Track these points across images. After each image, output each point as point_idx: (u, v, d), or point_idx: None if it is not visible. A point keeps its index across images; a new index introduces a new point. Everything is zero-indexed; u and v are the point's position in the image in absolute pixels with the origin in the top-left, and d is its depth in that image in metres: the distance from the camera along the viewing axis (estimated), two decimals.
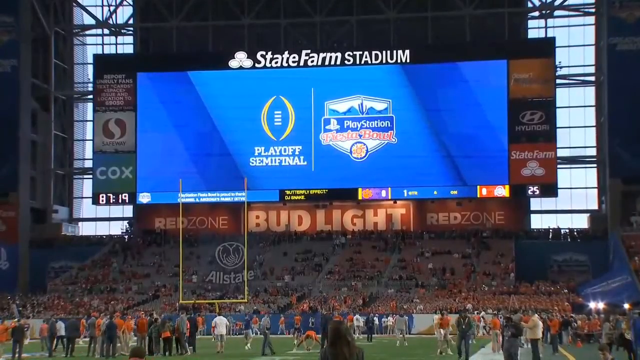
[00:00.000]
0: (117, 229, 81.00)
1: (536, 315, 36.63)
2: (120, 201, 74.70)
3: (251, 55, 72.21)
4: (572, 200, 75.34)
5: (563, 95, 74.02)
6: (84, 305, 61.27)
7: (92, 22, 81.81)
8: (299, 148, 70.80)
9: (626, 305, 47.55)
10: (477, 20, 74.83)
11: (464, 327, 28.87)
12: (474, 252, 68.91)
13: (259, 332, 45.13)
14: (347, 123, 70.77)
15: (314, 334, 37.14)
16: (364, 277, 65.73)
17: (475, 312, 52.53)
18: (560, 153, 72.06)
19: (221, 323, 36.52)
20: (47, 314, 53.99)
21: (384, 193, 71.17)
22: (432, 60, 70.40)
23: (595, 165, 75.52)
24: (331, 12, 75.33)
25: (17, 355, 33.10)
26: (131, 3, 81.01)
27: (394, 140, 70.33)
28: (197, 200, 71.35)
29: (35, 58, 76.33)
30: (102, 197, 73.81)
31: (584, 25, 76.87)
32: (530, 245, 69.03)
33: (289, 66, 71.83)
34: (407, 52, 70.72)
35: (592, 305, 53.29)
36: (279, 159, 71.17)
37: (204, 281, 65.27)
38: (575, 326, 44.79)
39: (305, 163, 70.64)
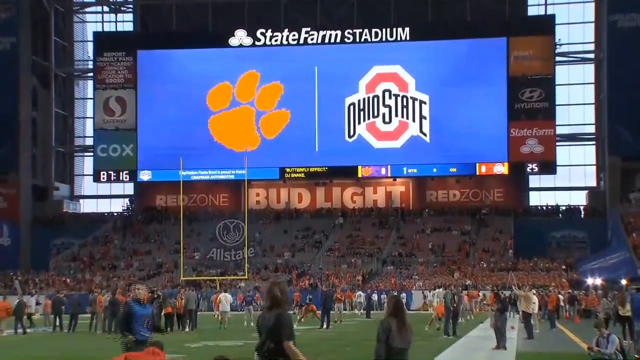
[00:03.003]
0: (118, 206, 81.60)
1: (533, 290, 37.12)
2: (121, 179, 74.95)
3: (251, 34, 72.23)
4: (571, 178, 75.77)
5: (562, 73, 74.06)
6: (86, 282, 61.69)
7: None
8: (298, 125, 70.95)
9: (623, 281, 47.82)
10: None
11: (454, 305, 28.89)
12: (473, 229, 69.26)
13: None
14: (349, 102, 70.95)
15: (314, 308, 37.62)
16: (363, 254, 66.10)
17: (474, 288, 52.99)
18: (559, 130, 72.18)
19: (226, 300, 36.91)
20: (49, 291, 54.43)
21: (383, 171, 71.40)
22: (432, 38, 70.36)
23: (594, 142, 75.70)
24: None
25: (20, 330, 33.57)
26: None
27: (396, 118, 70.61)
28: (198, 177, 71.60)
29: (35, 36, 76.26)
30: (103, 174, 74.11)
31: (584, 2, 76.51)
32: (529, 222, 69.31)
33: (288, 44, 71.88)
34: (406, 29, 70.66)
35: (590, 281, 53.61)
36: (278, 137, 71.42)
37: (204, 258, 65.65)
38: (574, 302, 45.29)
39: (306, 142, 70.76)
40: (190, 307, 34.74)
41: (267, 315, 8.52)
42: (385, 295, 52.33)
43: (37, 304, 44.93)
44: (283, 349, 8.30)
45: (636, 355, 15.04)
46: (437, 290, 43.89)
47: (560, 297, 44.52)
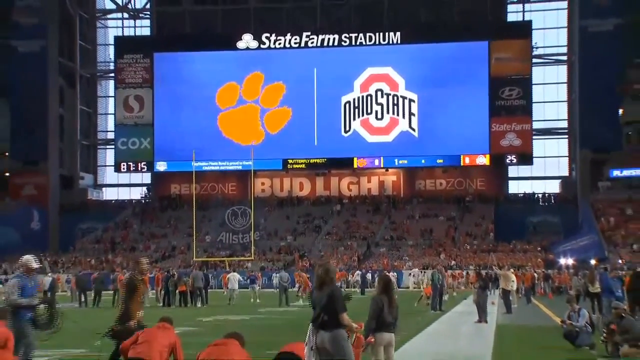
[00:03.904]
0: (136, 194, 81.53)
1: (512, 270, 37.25)
2: (139, 169, 74.92)
3: (257, 37, 72.13)
4: (546, 168, 75.84)
5: (538, 73, 74.04)
6: (108, 262, 61.76)
7: (113, 6, 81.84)
8: (299, 121, 70.91)
9: (593, 261, 48.01)
10: (462, 4, 74.65)
11: (439, 283, 29.03)
12: (458, 214, 69.31)
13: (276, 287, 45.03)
14: (345, 101, 70.88)
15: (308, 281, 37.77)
16: (358, 238, 66.12)
17: (459, 269, 53.13)
18: (536, 125, 72.19)
19: (234, 279, 36.98)
20: (75, 270, 54.49)
21: (376, 162, 71.42)
22: (420, 42, 70.24)
23: (566, 136, 75.67)
24: None
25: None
26: None
27: (388, 115, 70.64)
28: (209, 168, 71.60)
29: (62, 39, 76.07)
30: (123, 165, 74.13)
31: (557, 9, 76.75)
32: (508, 209, 69.31)
33: (290, 47, 71.81)
34: (397, 34, 70.65)
35: (563, 261, 53.81)
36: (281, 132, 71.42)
37: (215, 241, 65.72)
38: (548, 280, 45.46)
39: (306, 136, 70.72)
40: (198, 285, 34.73)
41: (319, 293, 8.89)
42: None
43: (67, 281, 45.07)
44: (336, 320, 8.74)
45: (604, 330, 15.10)
46: (426, 271, 44.02)
47: (536, 275, 44.70)
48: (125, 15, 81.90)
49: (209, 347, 8.76)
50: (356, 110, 70.96)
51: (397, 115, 70.61)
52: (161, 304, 35.01)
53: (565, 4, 75.58)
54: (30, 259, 11.77)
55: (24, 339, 11.14)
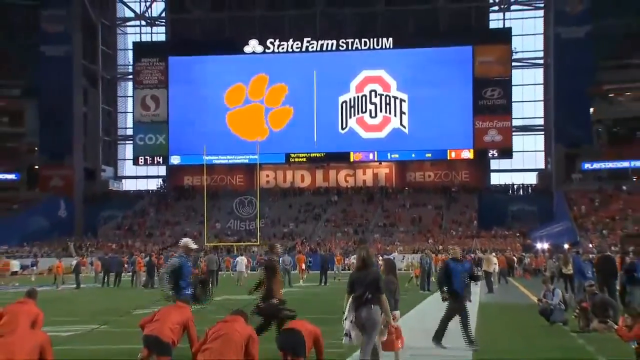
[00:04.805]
0: (153, 185, 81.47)
1: (493, 254, 37.27)
2: (155, 162, 74.97)
3: (262, 42, 72.04)
4: (524, 161, 75.76)
5: (517, 75, 73.88)
6: (128, 247, 61.82)
7: (132, 14, 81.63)
8: (300, 119, 70.86)
9: (566, 246, 48.07)
10: (449, 12, 74.54)
11: (427, 266, 29.17)
12: (445, 204, 69.33)
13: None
14: (342, 100, 70.83)
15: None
16: (354, 225, 66.15)
17: (445, 252, 53.13)
18: (515, 123, 72.15)
19: (241, 262, 37.03)
20: (97, 254, 54.57)
21: (371, 156, 71.42)
22: (411, 46, 70.15)
23: (542, 132, 75.65)
24: (330, 4, 74.82)
25: (77, 285, 33.81)
26: None
27: (381, 113, 70.60)
28: (218, 162, 71.55)
29: (85, 45, 76.00)
30: (141, 159, 74.17)
31: (534, 17, 76.72)
32: (490, 198, 69.37)
33: (292, 51, 71.75)
34: (390, 39, 70.64)
35: (539, 246, 53.84)
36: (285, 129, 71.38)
37: (224, 227, 65.76)
38: (526, 262, 45.49)
39: (307, 133, 70.68)
40: (212, 268, 34.72)
41: (361, 273, 9.08)
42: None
43: (91, 264, 45.16)
44: (377, 299, 9.00)
45: (577, 307, 15.16)
46: (415, 255, 44.05)
47: (515, 258, 44.81)
48: (143, 22, 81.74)
49: (218, 323, 8.82)
50: (352, 109, 70.91)
51: (389, 113, 70.58)
52: None
53: (541, 13, 75.57)
54: (189, 241, 11.88)
55: None
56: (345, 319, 9.28)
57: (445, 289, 12.28)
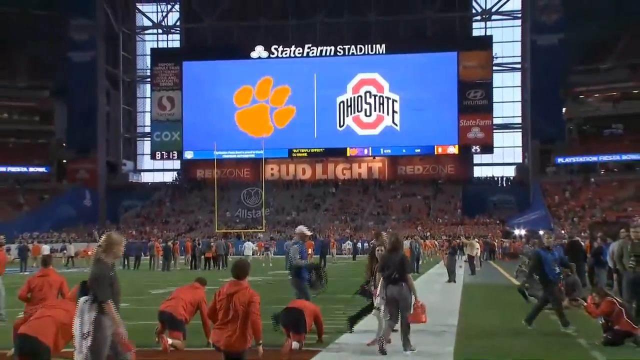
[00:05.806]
0: (169, 177, 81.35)
1: (476, 239, 37.26)
2: (171, 157, 74.97)
3: (267, 48, 71.92)
4: (504, 156, 75.80)
5: (497, 78, 73.93)
6: (146, 233, 61.84)
7: (149, 23, 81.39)
8: (302, 118, 70.76)
9: (541, 232, 48.00)
10: (436, 22, 74.39)
11: (416, 250, 29.24)
12: (432, 194, 69.35)
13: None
14: (340, 101, 70.72)
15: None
16: (351, 213, 66.20)
17: (433, 239, 53.12)
18: (495, 121, 72.11)
19: (248, 247, 36.96)
20: None
21: (366, 151, 71.39)
22: (402, 52, 70.02)
23: (520, 130, 75.64)
24: (329, 13, 74.61)
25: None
26: (178, 9, 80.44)
27: (375, 112, 70.52)
28: (227, 156, 71.47)
29: (108, 51, 76.01)
30: (158, 154, 74.13)
31: (513, 26, 76.49)
32: (473, 189, 69.38)
33: (295, 56, 71.63)
34: (383, 45, 70.55)
35: (517, 232, 53.88)
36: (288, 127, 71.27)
37: (233, 216, 65.77)
38: (504, 247, 45.53)
39: (308, 130, 70.59)
40: (220, 252, 34.60)
41: (390, 256, 9.20)
42: (368, 244, 52.36)
43: None
44: (404, 278, 9.10)
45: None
46: (405, 241, 43.93)
47: (495, 243, 44.82)
48: (160, 31, 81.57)
49: (222, 288, 8.45)
50: (349, 108, 70.85)
51: (383, 112, 70.53)
52: (189, 268, 34.90)
53: (519, 22, 75.38)
54: (304, 229, 11.58)
55: (303, 296, 10.85)
56: (378, 295, 9.44)
57: (536, 277, 11.94)
